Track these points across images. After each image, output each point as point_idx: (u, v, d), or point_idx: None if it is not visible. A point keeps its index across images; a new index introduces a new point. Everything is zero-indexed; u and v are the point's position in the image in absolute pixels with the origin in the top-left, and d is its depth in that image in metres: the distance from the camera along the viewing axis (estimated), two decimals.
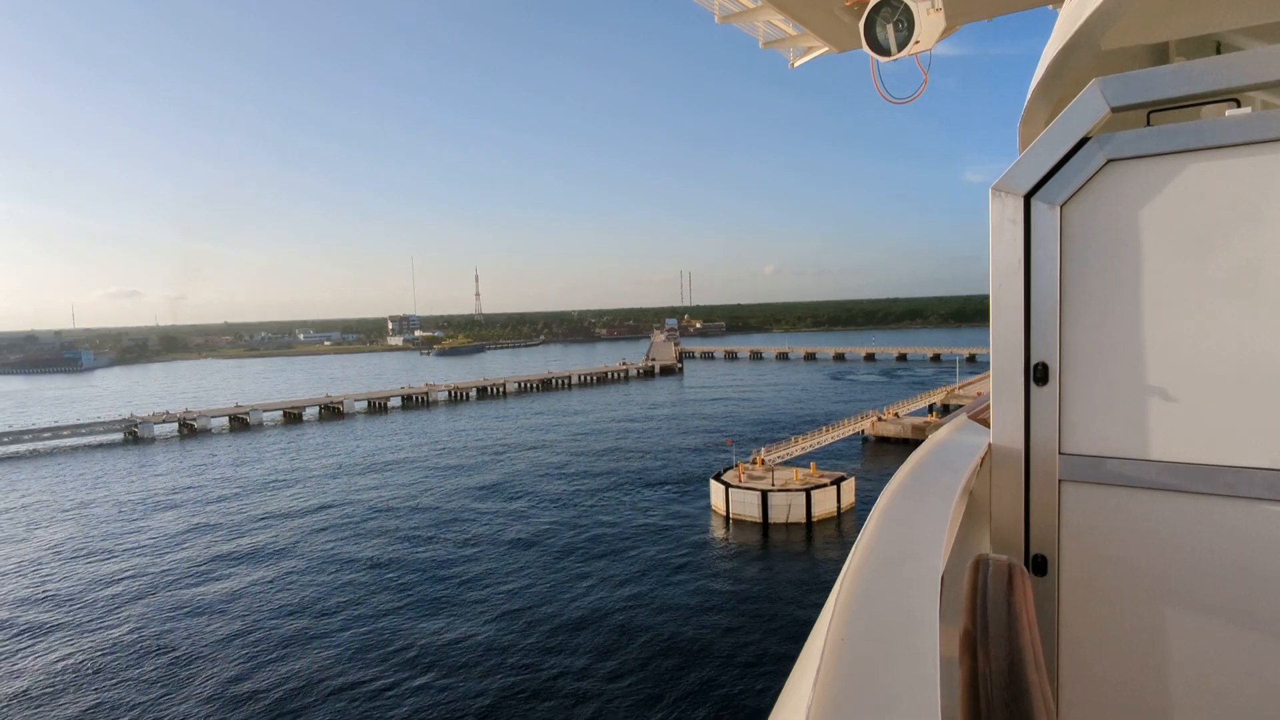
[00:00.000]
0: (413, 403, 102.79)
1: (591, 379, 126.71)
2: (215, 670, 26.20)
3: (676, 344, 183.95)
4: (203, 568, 37.28)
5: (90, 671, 26.66)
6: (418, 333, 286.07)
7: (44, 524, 46.97)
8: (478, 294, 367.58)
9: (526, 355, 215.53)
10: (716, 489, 45.79)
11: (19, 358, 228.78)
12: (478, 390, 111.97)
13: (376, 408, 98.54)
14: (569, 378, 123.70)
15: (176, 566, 37.61)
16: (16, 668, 27.21)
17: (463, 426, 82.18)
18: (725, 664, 26.22)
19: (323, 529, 43.67)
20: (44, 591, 35.01)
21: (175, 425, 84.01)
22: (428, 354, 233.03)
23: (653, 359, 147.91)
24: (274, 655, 27.18)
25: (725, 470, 47.80)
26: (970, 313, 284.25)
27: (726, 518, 44.04)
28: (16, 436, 76.35)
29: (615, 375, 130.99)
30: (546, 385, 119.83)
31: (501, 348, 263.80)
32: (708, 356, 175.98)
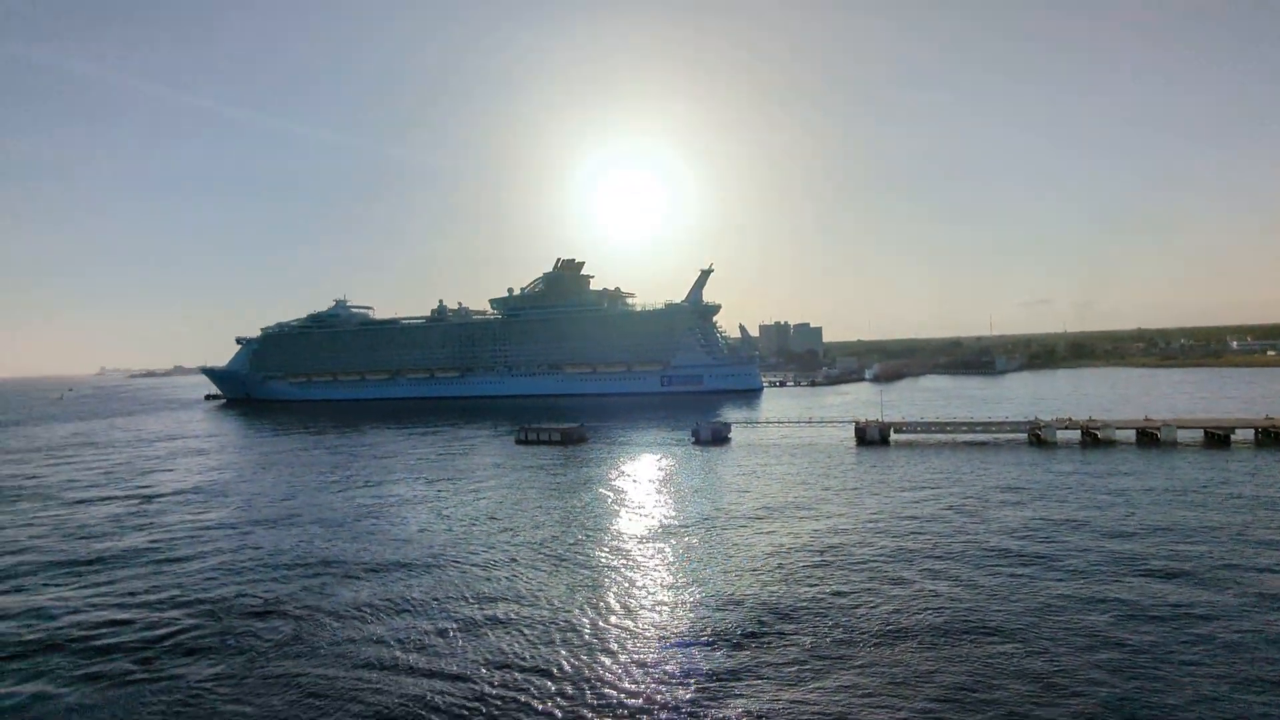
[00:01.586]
0: None
1: None
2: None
3: None
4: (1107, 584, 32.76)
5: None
6: None
7: (1003, 506, 51.05)
8: None
9: None
10: None
11: (946, 360, 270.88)
12: None
13: None
14: None
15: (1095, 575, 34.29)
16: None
17: None
18: None
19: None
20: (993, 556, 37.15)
21: (1077, 432, 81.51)
22: None
23: None
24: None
25: None
26: None
27: None
28: (941, 427, 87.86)
29: None
30: None
31: None
32: None
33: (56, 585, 40.70)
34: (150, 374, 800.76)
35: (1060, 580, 35.17)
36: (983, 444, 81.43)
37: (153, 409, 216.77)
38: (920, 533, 44.79)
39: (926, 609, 31.90)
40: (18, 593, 39.54)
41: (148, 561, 44.81)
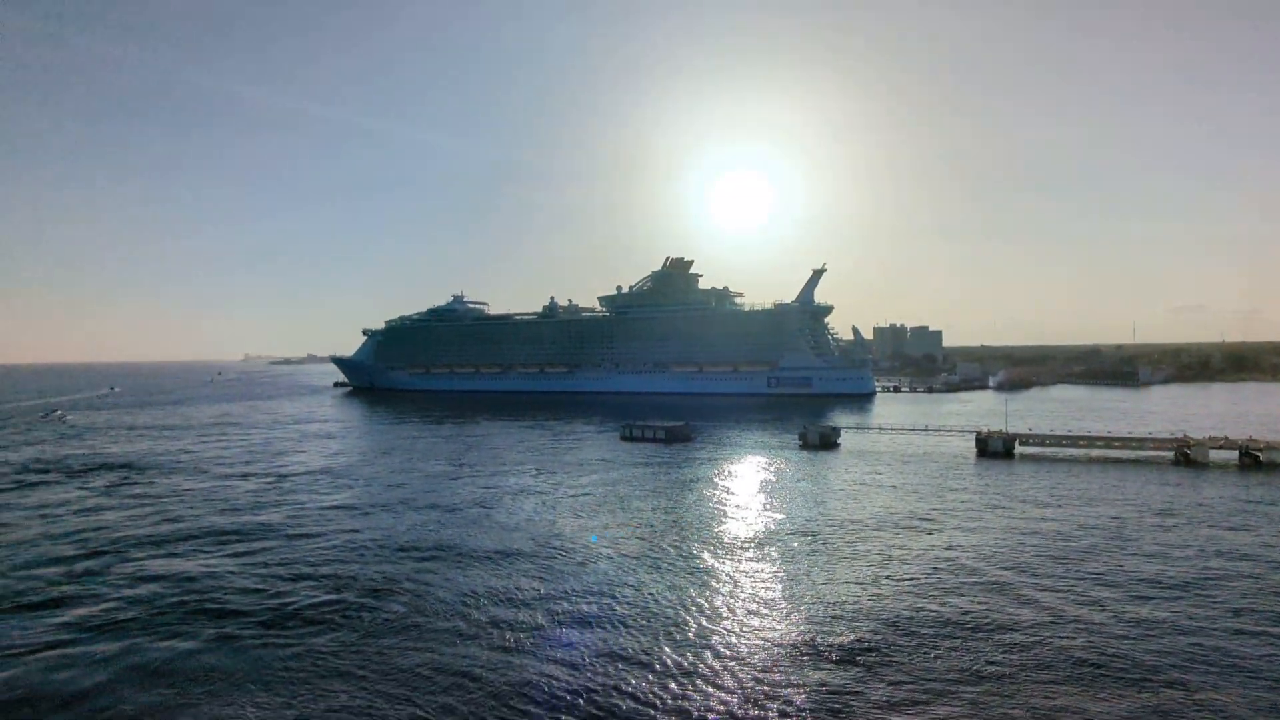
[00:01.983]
0: None
1: None
2: None
3: None
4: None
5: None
6: None
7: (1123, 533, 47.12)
8: None
9: None
10: None
11: (1080, 369, 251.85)
12: None
13: None
14: None
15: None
16: None
17: None
18: None
19: None
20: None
21: (1235, 453, 73.60)
22: None
23: None
24: None
25: None
26: None
27: None
28: (1073, 441, 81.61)
29: None
30: None
31: None
32: None
33: (204, 553, 44.29)
34: (287, 361, 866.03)
35: (1215, 614, 31.65)
36: (1120, 461, 75.04)
37: (288, 394, 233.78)
38: (1048, 553, 41.59)
39: (1057, 636, 29.45)
40: (169, 558, 43.30)
41: (280, 536, 48.03)
